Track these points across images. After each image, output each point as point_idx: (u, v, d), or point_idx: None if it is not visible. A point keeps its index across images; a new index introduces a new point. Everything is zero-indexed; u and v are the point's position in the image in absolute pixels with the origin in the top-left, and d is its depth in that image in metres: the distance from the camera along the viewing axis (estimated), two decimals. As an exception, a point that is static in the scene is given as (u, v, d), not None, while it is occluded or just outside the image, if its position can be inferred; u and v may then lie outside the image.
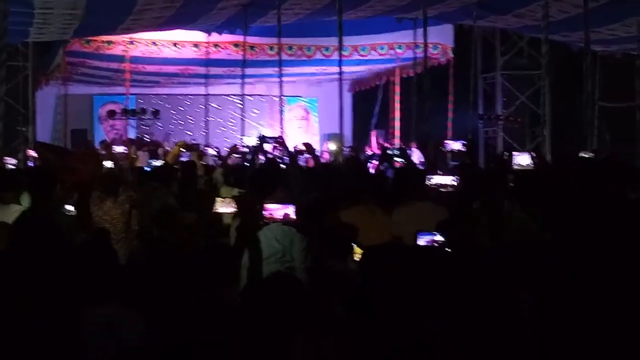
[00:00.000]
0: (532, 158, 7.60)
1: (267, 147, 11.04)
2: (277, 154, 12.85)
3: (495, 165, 10.22)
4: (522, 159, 7.59)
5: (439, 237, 5.16)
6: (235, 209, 5.83)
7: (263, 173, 8.19)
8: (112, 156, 13.46)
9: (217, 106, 29.35)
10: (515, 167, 7.56)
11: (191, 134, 29.30)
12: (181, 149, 12.23)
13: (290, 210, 5.07)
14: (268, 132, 22.85)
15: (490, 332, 3.97)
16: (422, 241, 5.18)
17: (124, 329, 4.36)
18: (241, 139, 11.50)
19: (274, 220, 5.16)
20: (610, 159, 10.53)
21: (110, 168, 12.49)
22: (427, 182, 6.78)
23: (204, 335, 4.34)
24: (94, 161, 10.84)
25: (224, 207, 6.17)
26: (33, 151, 9.96)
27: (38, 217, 6.30)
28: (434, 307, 4.05)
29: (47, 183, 7.52)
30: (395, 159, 11.08)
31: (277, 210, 5.11)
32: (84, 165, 10.54)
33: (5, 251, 5.07)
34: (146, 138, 26.65)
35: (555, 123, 21.43)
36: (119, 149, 12.78)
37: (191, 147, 13.19)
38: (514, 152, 7.60)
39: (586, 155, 10.97)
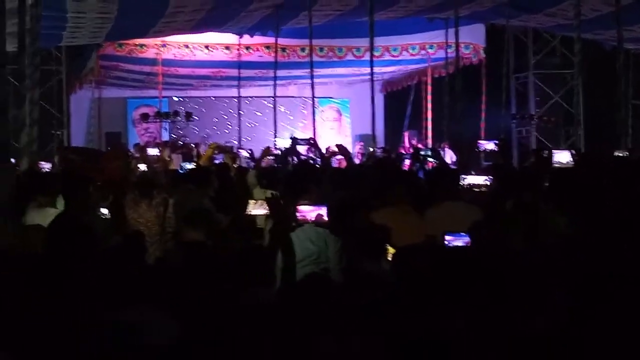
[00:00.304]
0: (572, 156, 7.53)
1: (300, 148, 11.06)
2: (310, 155, 12.88)
3: (533, 164, 10.14)
4: (562, 157, 7.53)
5: (466, 239, 5.15)
6: (267, 211, 5.83)
7: (296, 174, 8.20)
8: (145, 159, 13.52)
9: (249, 109, 29.46)
10: (555, 164, 7.50)
11: (223, 134, 29.45)
12: (214, 151, 12.27)
13: (323, 212, 5.06)
14: (300, 134, 22.94)
15: (521, 333, 3.96)
16: (450, 242, 5.16)
17: (151, 333, 4.38)
18: (274, 141, 11.51)
19: (306, 222, 5.15)
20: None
21: (144, 171, 12.58)
22: (460, 183, 6.75)
23: (238, 337, 4.35)
24: (120, 160, 10.92)
25: (257, 209, 6.18)
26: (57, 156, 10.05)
27: (71, 220, 6.36)
28: (465, 308, 4.04)
29: (80, 186, 7.55)
30: (428, 159, 11.09)
31: (309, 212, 5.10)
32: (110, 164, 10.63)
33: (41, 254, 5.12)
34: (180, 141, 26.76)
35: (588, 122, 21.36)
36: (152, 151, 12.82)
37: (224, 149, 13.23)
38: (553, 150, 7.54)
39: (621, 154, 10.90)
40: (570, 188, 6.89)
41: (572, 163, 7.48)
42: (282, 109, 27.83)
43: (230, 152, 14.04)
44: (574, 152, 7.93)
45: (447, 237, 5.18)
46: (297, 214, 5.05)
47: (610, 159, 10.10)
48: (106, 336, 4.23)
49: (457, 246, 5.11)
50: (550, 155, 7.60)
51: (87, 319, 4.36)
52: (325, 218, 5.06)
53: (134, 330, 4.28)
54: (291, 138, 11.19)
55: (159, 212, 9.10)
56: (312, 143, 11.21)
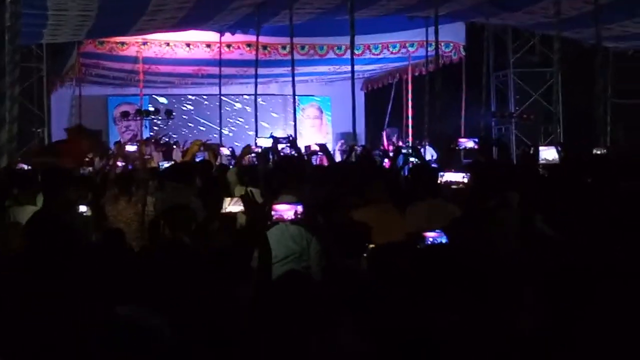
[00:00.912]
0: (558, 152, 7.54)
1: (280, 146, 11.07)
2: (289, 154, 12.88)
3: (521, 161, 10.15)
4: (548, 153, 7.53)
5: (443, 237, 5.18)
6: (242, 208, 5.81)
7: (276, 171, 8.21)
8: (125, 156, 13.50)
9: (230, 107, 29.48)
10: (542, 162, 7.51)
11: (204, 132, 29.43)
12: (199, 148, 12.24)
13: (299, 210, 5.02)
14: (281, 132, 22.93)
15: (500, 332, 4.00)
16: (429, 240, 5.19)
17: (144, 330, 4.39)
18: (255, 139, 11.51)
19: (282, 221, 5.12)
20: (624, 155, 10.52)
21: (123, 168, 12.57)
22: (439, 180, 6.78)
23: (217, 336, 4.38)
24: (80, 137, 10.93)
25: (233, 206, 6.16)
26: (23, 164, 10.01)
27: (49, 217, 6.36)
28: (444, 305, 4.08)
29: (58, 183, 7.56)
30: (410, 158, 11.12)
31: (285, 211, 5.06)
32: (73, 145, 10.65)
33: (20, 253, 5.12)
34: (160, 139, 26.74)
35: (568, 120, 21.48)
36: (131, 147, 12.78)
37: (208, 147, 13.22)
38: (540, 147, 7.55)
39: (599, 152, 10.97)
40: (559, 187, 6.92)
41: (558, 160, 7.50)
42: (263, 107, 27.81)
43: (214, 149, 14.01)
44: (559, 148, 7.92)
45: (426, 235, 5.20)
46: (273, 213, 5.01)
47: (589, 157, 10.16)
48: (96, 333, 4.24)
49: (435, 244, 5.14)
50: (536, 152, 7.62)
51: (71, 318, 4.37)
52: (301, 216, 5.02)
53: (124, 327, 4.30)
54: (271, 137, 11.20)
55: (138, 209, 9.09)
56: (290, 142, 11.22)
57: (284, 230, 6.19)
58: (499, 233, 6.01)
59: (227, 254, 4.99)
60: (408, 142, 25.36)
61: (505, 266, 4.77)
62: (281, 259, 5.90)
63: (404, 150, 12.02)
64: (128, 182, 9.51)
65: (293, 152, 11.03)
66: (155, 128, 27.48)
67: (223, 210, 5.92)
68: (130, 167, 12.44)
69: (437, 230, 5.21)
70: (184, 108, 30.84)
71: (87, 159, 12.29)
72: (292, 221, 5.06)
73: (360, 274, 5.28)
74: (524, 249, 5.67)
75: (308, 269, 6.36)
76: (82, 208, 7.65)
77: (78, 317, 4.39)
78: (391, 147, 22.77)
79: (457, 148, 9.06)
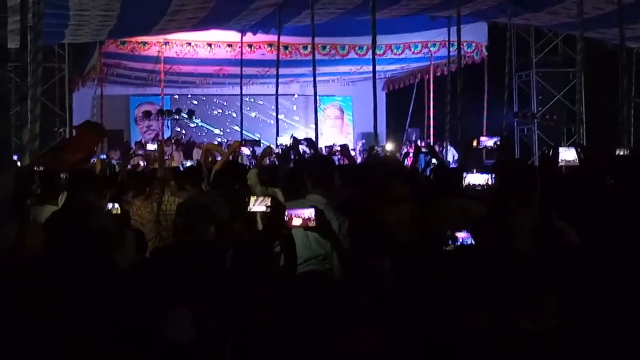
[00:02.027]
0: (577, 153, 7.45)
1: (301, 147, 11.05)
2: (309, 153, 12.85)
3: (540, 162, 10.08)
4: (568, 154, 7.43)
5: (468, 238, 5.12)
6: (267, 209, 5.76)
7: (295, 172, 8.16)
8: (146, 156, 13.51)
9: (251, 106, 29.52)
10: (561, 163, 7.42)
11: (225, 132, 29.50)
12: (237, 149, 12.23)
13: (311, 215, 4.94)
14: (302, 133, 22.92)
15: (521, 333, 3.96)
16: (453, 241, 5.13)
17: (171, 329, 4.38)
18: (276, 139, 11.50)
19: (294, 226, 5.03)
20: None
21: (136, 167, 12.61)
22: (462, 181, 6.73)
23: (242, 334, 4.36)
24: (87, 131, 10.94)
25: (258, 206, 6.13)
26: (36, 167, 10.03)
27: (67, 217, 6.36)
28: (466, 306, 4.05)
29: (79, 183, 7.56)
30: (431, 158, 11.08)
31: (296, 215, 4.98)
32: (80, 139, 10.66)
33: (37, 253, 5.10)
34: (180, 138, 26.84)
35: (591, 120, 21.37)
36: (151, 146, 12.79)
37: (214, 148, 13.19)
38: (560, 148, 7.45)
39: (622, 153, 10.87)
40: (577, 191, 6.86)
41: (577, 161, 7.41)
42: (285, 107, 27.84)
43: (213, 150, 13.91)
44: (579, 149, 7.83)
45: (457, 235, 5.15)
46: (285, 217, 4.94)
47: (612, 158, 10.07)
48: (123, 334, 4.24)
49: (464, 245, 5.09)
50: (556, 153, 7.53)
51: (94, 318, 4.36)
52: (313, 222, 4.93)
53: (155, 324, 4.29)
54: (292, 137, 11.18)
55: (153, 209, 9.07)
56: (309, 142, 11.20)
57: (308, 232, 6.13)
58: (520, 233, 5.95)
59: (251, 252, 4.96)
60: (429, 142, 25.36)
61: (526, 267, 4.73)
62: (305, 260, 5.85)
63: (423, 150, 12.00)
64: (141, 182, 9.50)
65: (312, 153, 10.98)
66: (177, 129, 27.51)
67: (248, 210, 5.88)
68: (148, 166, 12.48)
69: (465, 231, 5.15)
70: (206, 108, 30.92)
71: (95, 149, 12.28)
72: (303, 227, 4.97)
73: (384, 273, 5.24)
74: (544, 250, 5.61)
75: (330, 270, 6.31)
76: (111, 205, 7.62)
77: (96, 318, 4.38)
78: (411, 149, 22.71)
79: (478, 147, 8.98)
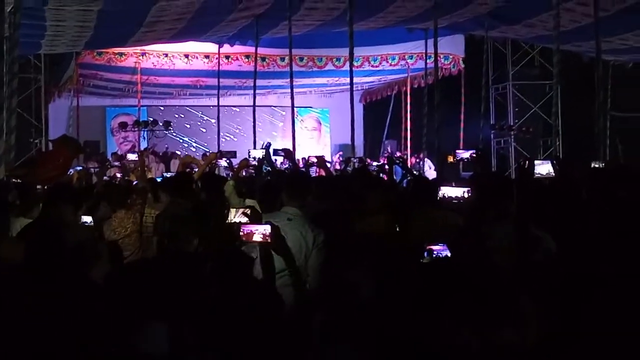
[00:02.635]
0: (553, 166, 7.47)
1: (276, 157, 11.04)
2: (285, 166, 12.84)
3: (517, 174, 10.10)
4: (543, 168, 7.46)
5: (444, 250, 5.12)
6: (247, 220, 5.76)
7: (271, 185, 8.16)
8: (123, 167, 13.48)
9: (228, 118, 29.49)
10: (537, 176, 7.44)
11: (202, 144, 29.46)
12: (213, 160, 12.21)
13: (267, 231, 4.92)
14: (279, 144, 22.88)
15: (501, 345, 3.95)
16: (431, 253, 5.14)
17: (145, 341, 4.36)
18: (249, 151, 11.47)
19: (250, 241, 5.01)
20: (621, 167, 10.46)
21: (113, 178, 12.54)
22: (439, 194, 6.74)
23: (221, 346, 4.35)
24: (63, 146, 10.89)
25: (238, 217, 6.12)
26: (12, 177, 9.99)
27: (42, 229, 6.31)
28: (447, 318, 4.04)
29: (58, 195, 7.50)
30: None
31: (253, 232, 4.96)
32: (56, 153, 10.62)
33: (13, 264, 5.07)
34: (156, 149, 26.77)
35: (567, 133, 21.46)
36: (132, 156, 12.75)
37: (190, 160, 13.18)
38: (535, 161, 7.48)
39: (597, 165, 10.92)
40: (553, 202, 6.87)
41: (553, 174, 7.43)
42: (262, 118, 27.81)
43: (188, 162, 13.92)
44: (554, 162, 7.85)
45: (432, 247, 5.15)
46: (241, 232, 4.92)
47: (587, 170, 10.11)
48: (97, 348, 4.21)
49: (439, 257, 5.09)
50: (532, 166, 7.54)
51: (68, 332, 4.33)
52: (268, 238, 4.91)
53: (129, 339, 4.26)
54: (267, 145, 11.16)
55: (136, 219, 9.03)
56: (287, 153, 11.20)
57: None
58: (498, 245, 5.96)
59: (231, 264, 4.94)
60: (401, 155, 25.43)
61: (504, 279, 4.73)
62: (278, 271, 5.83)
63: (396, 161, 12.03)
64: (123, 194, 9.46)
65: (289, 165, 10.99)
66: (154, 140, 27.43)
67: (228, 221, 5.87)
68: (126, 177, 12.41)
69: (441, 244, 5.15)
70: (183, 119, 30.87)
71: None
72: (259, 243, 4.95)
73: (362, 285, 5.23)
74: (522, 260, 5.62)
75: (304, 283, 6.30)
76: (86, 218, 7.58)
77: (70, 332, 4.35)
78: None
79: (454, 160, 9.00)
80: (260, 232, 4.85)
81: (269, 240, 4.86)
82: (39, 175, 10.26)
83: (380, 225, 6.79)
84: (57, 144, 11.13)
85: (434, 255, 5.08)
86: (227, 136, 28.17)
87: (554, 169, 7.33)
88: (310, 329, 4.45)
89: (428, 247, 5.09)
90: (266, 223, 4.96)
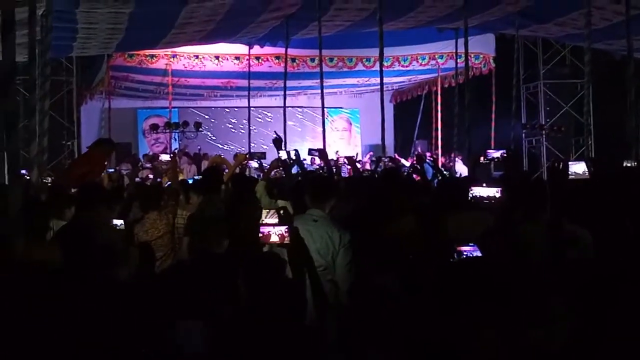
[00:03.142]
0: (588, 166, 7.42)
1: (309, 157, 11.08)
2: (319, 165, 12.85)
3: (549, 176, 10.02)
4: (578, 168, 7.40)
5: (475, 251, 5.11)
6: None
7: (299, 188, 8.18)
8: (155, 168, 13.54)
9: (260, 119, 29.58)
10: (571, 176, 7.39)
11: (234, 144, 29.53)
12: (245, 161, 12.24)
13: (284, 232, 4.91)
14: (309, 144, 22.90)
15: (529, 346, 3.95)
16: (463, 254, 5.12)
17: (185, 342, 4.38)
18: (278, 153, 11.48)
19: (268, 242, 5.01)
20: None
21: (147, 181, 12.60)
22: (470, 195, 6.71)
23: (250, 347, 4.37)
24: (97, 149, 10.94)
25: (270, 218, 6.15)
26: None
27: (78, 231, 6.36)
28: (474, 318, 4.03)
29: (90, 197, 7.54)
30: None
31: (271, 232, 4.96)
32: (86, 163, 10.68)
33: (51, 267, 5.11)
34: (188, 150, 26.89)
35: (599, 132, 21.33)
36: (165, 157, 12.80)
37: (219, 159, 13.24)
38: (569, 162, 7.42)
39: (629, 165, 10.83)
40: (587, 203, 6.83)
41: (587, 174, 7.37)
42: (293, 119, 27.85)
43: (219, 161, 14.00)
44: (589, 162, 7.80)
45: (461, 249, 5.14)
46: (260, 234, 4.92)
47: (621, 170, 10.03)
48: (140, 347, 4.24)
49: (468, 257, 5.07)
50: (566, 167, 7.49)
51: (110, 332, 4.37)
52: (287, 239, 4.92)
53: (169, 340, 4.29)
54: (295, 152, 11.22)
55: (169, 220, 9.07)
56: (321, 153, 11.23)
57: (311, 244, 6.14)
58: (529, 245, 5.94)
59: (263, 265, 4.96)
60: (437, 154, 25.41)
61: (535, 280, 4.72)
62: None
63: (428, 160, 12.03)
64: (154, 195, 9.49)
65: (322, 164, 11.00)
66: (185, 141, 27.54)
67: (261, 222, 5.91)
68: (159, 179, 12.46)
69: (471, 244, 5.14)
70: (214, 120, 30.97)
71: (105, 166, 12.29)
72: (277, 244, 4.95)
73: (392, 289, 5.23)
74: (555, 261, 5.60)
75: (334, 283, 6.32)
76: (116, 222, 7.63)
77: (102, 331, 4.39)
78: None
79: (485, 160, 8.97)
80: (277, 233, 4.85)
81: (285, 241, 4.88)
82: (72, 176, 10.32)
83: (407, 228, 6.78)
84: (91, 147, 11.20)
85: (464, 256, 5.07)
86: (258, 137, 28.18)
87: (588, 169, 7.28)
88: (332, 333, 4.48)
89: (458, 249, 5.08)
90: (284, 224, 4.97)
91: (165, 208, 9.26)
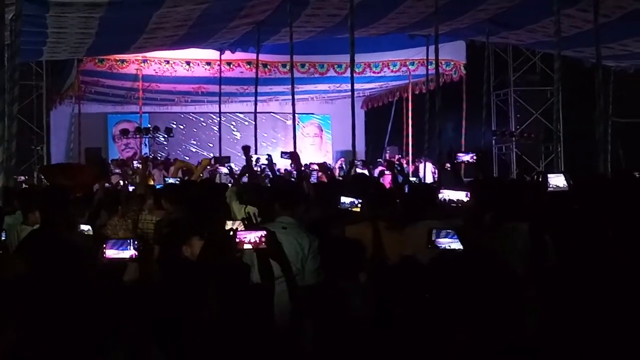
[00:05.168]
0: (567, 179, 7.42)
1: (283, 162, 11.08)
2: (290, 170, 12.84)
3: (531, 187, 9.99)
4: (558, 180, 7.40)
5: (457, 242, 5.08)
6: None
7: (273, 190, 8.20)
8: (124, 173, 13.49)
9: (230, 124, 29.55)
10: (551, 189, 7.39)
11: (204, 150, 29.46)
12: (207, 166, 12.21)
13: (262, 236, 4.90)
14: (280, 150, 22.88)
15: (502, 345, 3.95)
16: (442, 245, 5.07)
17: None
18: (251, 157, 11.47)
19: (243, 249, 4.99)
20: (623, 175, 10.41)
21: (116, 186, 12.54)
22: (439, 197, 6.70)
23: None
24: (94, 165, 10.88)
25: (236, 226, 6.13)
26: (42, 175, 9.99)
27: (50, 236, 6.31)
28: (453, 321, 4.04)
29: (60, 201, 7.48)
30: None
31: (248, 237, 4.94)
32: (82, 176, 10.62)
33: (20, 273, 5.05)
34: (158, 156, 26.79)
35: (568, 139, 21.46)
36: (137, 164, 12.80)
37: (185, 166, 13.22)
38: (548, 174, 7.43)
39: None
40: (567, 212, 6.85)
41: (567, 186, 7.38)
42: (263, 125, 27.80)
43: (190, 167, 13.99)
44: (567, 175, 7.79)
45: (439, 241, 5.10)
46: (236, 239, 4.91)
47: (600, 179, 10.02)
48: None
49: (449, 250, 5.04)
50: (545, 179, 7.48)
51: (78, 340, 4.32)
52: (263, 244, 4.91)
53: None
54: (268, 157, 11.21)
55: (128, 226, 9.01)
56: (294, 157, 11.24)
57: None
58: (499, 251, 5.97)
59: (232, 270, 4.94)
60: (408, 159, 25.49)
61: (512, 278, 4.73)
62: (277, 277, 5.86)
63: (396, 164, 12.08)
64: (112, 200, 9.45)
65: (293, 168, 11.01)
66: (155, 147, 27.44)
67: (227, 228, 5.88)
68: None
69: (450, 235, 5.11)
70: (184, 126, 30.89)
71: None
72: (254, 249, 4.94)
73: (358, 293, 5.23)
74: (532, 267, 5.62)
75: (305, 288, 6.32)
76: (84, 227, 7.57)
77: (85, 339, 4.35)
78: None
79: (455, 162, 8.97)
80: (255, 237, 4.84)
81: (264, 246, 4.86)
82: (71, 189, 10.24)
83: (362, 234, 6.78)
84: (90, 160, 11.13)
85: (440, 247, 5.04)
86: (229, 143, 28.11)
87: (567, 181, 7.29)
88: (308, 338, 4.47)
89: (434, 240, 5.05)
90: (261, 229, 4.96)
91: (127, 214, 9.20)
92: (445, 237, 5.10)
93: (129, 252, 4.84)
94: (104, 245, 4.83)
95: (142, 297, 4.87)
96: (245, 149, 11.11)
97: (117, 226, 8.96)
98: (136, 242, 4.82)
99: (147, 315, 4.56)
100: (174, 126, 28.09)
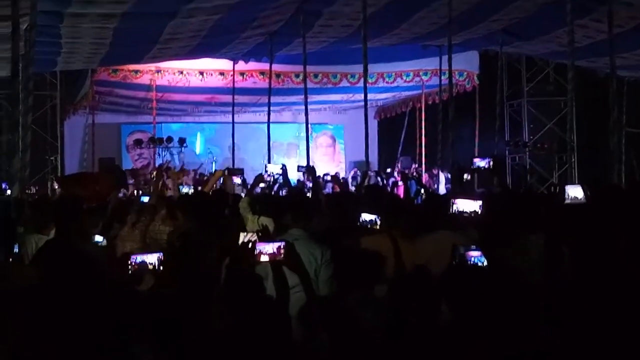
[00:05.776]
0: (584, 190, 7.38)
1: (297, 174, 11.11)
2: (305, 181, 12.85)
3: (548, 199, 9.94)
4: (576, 191, 7.36)
5: (482, 258, 5.01)
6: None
7: (287, 202, 8.19)
8: (137, 184, 13.52)
9: (243, 135, 29.57)
10: (568, 200, 7.35)
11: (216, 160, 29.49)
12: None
13: (280, 248, 4.89)
14: (293, 161, 22.87)
15: (518, 351, 3.94)
16: (470, 258, 5.00)
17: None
18: (265, 167, 11.45)
19: (260, 261, 4.98)
20: (637, 185, 10.38)
21: (133, 196, 12.55)
22: (451, 209, 6.68)
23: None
24: (110, 176, 10.88)
25: (249, 238, 6.12)
26: (57, 185, 10.00)
27: (64, 246, 6.32)
28: (475, 329, 4.03)
29: (74, 212, 7.48)
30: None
31: (266, 248, 4.93)
32: (98, 185, 10.62)
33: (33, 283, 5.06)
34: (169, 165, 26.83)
35: (582, 149, 21.39)
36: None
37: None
38: (566, 186, 7.39)
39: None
40: (584, 225, 6.81)
41: (585, 198, 7.33)
42: (277, 135, 27.80)
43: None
44: (585, 186, 7.73)
45: (468, 254, 5.03)
46: (256, 252, 4.90)
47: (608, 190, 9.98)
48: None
49: (475, 264, 4.99)
50: (562, 191, 7.44)
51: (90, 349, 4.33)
52: (281, 256, 4.89)
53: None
54: (282, 166, 11.20)
55: (136, 237, 8.97)
56: (310, 170, 11.27)
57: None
58: (522, 254, 5.98)
59: (242, 283, 4.94)
60: (416, 167, 25.50)
61: (529, 289, 4.72)
62: (291, 287, 5.86)
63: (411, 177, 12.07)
64: (122, 210, 9.44)
65: (309, 180, 11.03)
66: (169, 157, 27.50)
67: (241, 240, 5.88)
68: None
69: (474, 249, 5.04)
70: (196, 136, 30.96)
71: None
72: (271, 261, 4.93)
73: (373, 305, 5.22)
74: (547, 279, 5.61)
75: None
76: (98, 238, 7.57)
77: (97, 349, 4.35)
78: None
79: (471, 168, 8.93)
80: (273, 248, 4.84)
81: (282, 257, 4.86)
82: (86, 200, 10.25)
83: (385, 245, 6.75)
84: (104, 168, 11.16)
85: (470, 262, 4.96)
86: (242, 153, 28.12)
87: (584, 193, 7.25)
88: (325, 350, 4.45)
89: (464, 254, 4.98)
90: (279, 240, 4.97)
91: (137, 224, 9.18)
92: (472, 251, 5.03)
93: (153, 263, 4.87)
94: (129, 258, 4.85)
95: (157, 308, 4.88)
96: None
97: (126, 236, 8.93)
98: (160, 255, 4.86)
99: (162, 326, 4.56)
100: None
